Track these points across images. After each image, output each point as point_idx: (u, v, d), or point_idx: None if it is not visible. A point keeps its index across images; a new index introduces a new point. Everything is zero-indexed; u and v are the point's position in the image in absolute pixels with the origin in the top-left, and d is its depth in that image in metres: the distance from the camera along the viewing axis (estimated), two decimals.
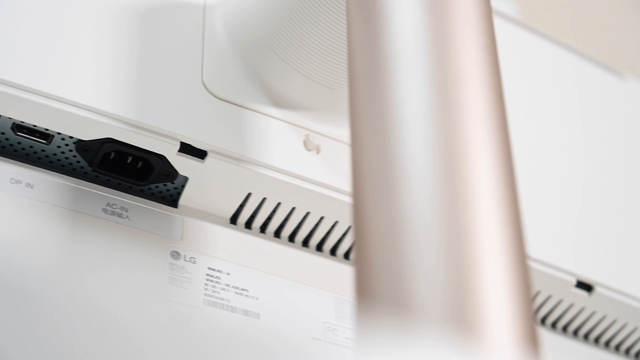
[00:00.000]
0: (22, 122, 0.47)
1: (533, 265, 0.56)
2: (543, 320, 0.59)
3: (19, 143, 0.48)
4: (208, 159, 0.49)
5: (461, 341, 0.30)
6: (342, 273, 0.53)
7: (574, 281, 0.57)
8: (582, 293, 0.58)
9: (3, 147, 0.48)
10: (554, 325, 0.59)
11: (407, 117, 0.34)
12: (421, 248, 0.32)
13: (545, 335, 0.58)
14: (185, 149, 0.49)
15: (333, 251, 0.54)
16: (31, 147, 0.48)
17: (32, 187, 0.47)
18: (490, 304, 0.31)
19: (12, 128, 0.48)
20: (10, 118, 0.47)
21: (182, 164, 0.49)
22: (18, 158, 0.48)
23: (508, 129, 0.36)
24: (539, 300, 0.58)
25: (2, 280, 0.28)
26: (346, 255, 0.54)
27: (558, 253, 0.57)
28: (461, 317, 0.30)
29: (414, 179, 0.33)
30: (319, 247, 0.54)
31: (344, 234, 0.53)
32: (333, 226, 0.53)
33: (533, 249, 0.55)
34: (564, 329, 0.60)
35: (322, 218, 0.52)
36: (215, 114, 0.50)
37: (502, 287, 0.31)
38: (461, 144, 0.34)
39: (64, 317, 0.28)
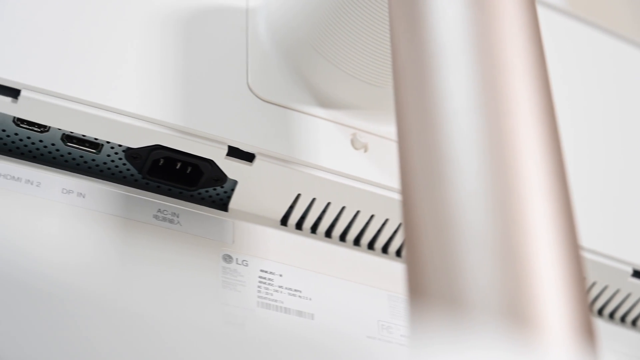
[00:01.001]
0: (72, 132, 0.48)
1: (588, 256, 0.55)
2: (600, 311, 0.58)
3: (69, 153, 0.49)
4: (256, 161, 0.49)
5: (517, 337, 0.30)
6: (395, 270, 0.53)
7: (630, 270, 0.56)
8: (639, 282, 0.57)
9: (54, 158, 0.49)
10: (611, 315, 0.59)
11: (453, 111, 0.34)
12: (472, 242, 0.31)
13: (603, 326, 0.58)
14: (233, 152, 0.49)
15: (385, 249, 0.54)
16: (81, 156, 0.49)
17: (83, 197, 0.48)
18: (544, 297, 0.30)
19: (62, 139, 0.48)
20: (59, 129, 0.48)
21: (231, 168, 0.49)
22: (69, 168, 0.49)
23: (556, 119, 0.35)
24: (596, 291, 0.57)
25: (58, 290, 0.28)
26: (398, 253, 0.54)
27: (614, 243, 0.57)
28: (515, 312, 0.30)
29: (462, 173, 0.33)
30: (370, 246, 0.54)
31: (395, 232, 0.53)
32: (383, 224, 0.53)
33: (588, 239, 0.55)
34: (622, 319, 0.59)
35: (372, 216, 0.52)
36: (262, 116, 0.50)
37: (556, 280, 0.31)
38: (509, 136, 0.34)
39: (118, 324, 0.29)
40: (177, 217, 0.49)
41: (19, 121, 0.47)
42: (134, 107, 0.47)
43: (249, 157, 0.49)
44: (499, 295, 0.30)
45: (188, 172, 0.50)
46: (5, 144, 0.48)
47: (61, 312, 0.28)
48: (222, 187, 0.51)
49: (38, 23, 0.48)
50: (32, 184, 0.47)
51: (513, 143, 0.33)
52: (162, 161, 0.49)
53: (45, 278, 0.29)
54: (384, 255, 0.54)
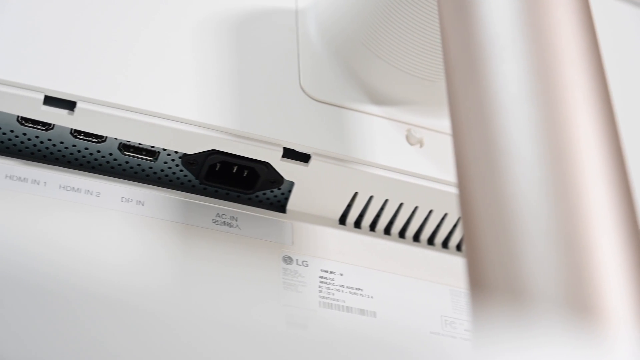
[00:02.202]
0: (128, 141, 0.48)
1: None
2: None
3: (127, 162, 0.49)
4: (312, 162, 0.49)
5: (581, 329, 0.29)
6: (456, 265, 0.53)
7: None
8: None
9: (112, 167, 0.49)
10: None
11: (507, 101, 0.34)
12: (533, 233, 0.31)
13: None
14: (289, 154, 0.49)
15: (445, 244, 0.54)
16: (139, 165, 0.49)
17: (142, 204, 0.48)
18: (608, 286, 0.30)
19: (119, 148, 0.49)
20: (116, 139, 0.48)
21: (287, 169, 0.49)
22: (127, 177, 0.49)
23: (612, 105, 0.35)
24: None
25: (121, 298, 0.29)
26: (458, 247, 0.54)
27: None
28: (579, 303, 0.29)
29: (520, 163, 0.33)
30: (430, 241, 0.53)
31: (454, 226, 0.53)
32: (442, 219, 0.52)
33: None
34: None
35: (430, 211, 0.52)
36: (315, 116, 0.50)
37: (619, 268, 0.30)
38: (566, 124, 0.33)
39: (183, 329, 0.29)
40: (236, 220, 0.50)
41: (76, 133, 0.48)
42: (188, 114, 0.48)
43: (304, 157, 0.49)
44: (562, 286, 0.30)
45: (244, 175, 0.50)
46: (64, 156, 0.49)
47: (125, 318, 0.29)
48: (279, 188, 0.51)
49: (91, 35, 0.48)
50: (91, 194, 0.48)
51: (570, 131, 0.33)
52: (218, 166, 0.50)
53: (109, 287, 0.29)
54: (444, 250, 0.53)
